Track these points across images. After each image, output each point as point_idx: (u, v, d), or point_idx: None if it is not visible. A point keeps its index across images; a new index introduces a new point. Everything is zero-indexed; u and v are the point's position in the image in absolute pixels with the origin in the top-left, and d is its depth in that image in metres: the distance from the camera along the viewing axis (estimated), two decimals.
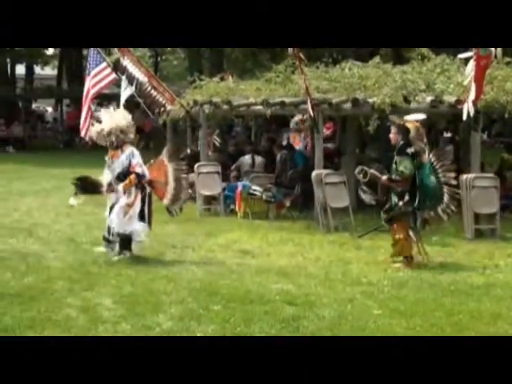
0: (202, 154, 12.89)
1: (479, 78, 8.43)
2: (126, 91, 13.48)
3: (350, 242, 9.36)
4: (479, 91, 8.57)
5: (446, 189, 8.09)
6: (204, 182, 12.05)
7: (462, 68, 10.23)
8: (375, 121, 10.28)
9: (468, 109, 8.63)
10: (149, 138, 22.48)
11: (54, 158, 22.47)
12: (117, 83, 14.17)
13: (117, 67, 13.39)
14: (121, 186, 8.04)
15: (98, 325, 5.68)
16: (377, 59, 12.18)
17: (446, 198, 8.08)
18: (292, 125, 16.50)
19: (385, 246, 8.52)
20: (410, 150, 7.84)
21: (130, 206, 8.01)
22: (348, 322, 5.86)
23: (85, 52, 25.25)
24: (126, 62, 13.39)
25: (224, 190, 12.12)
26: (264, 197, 11.59)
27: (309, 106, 10.34)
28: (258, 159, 13.24)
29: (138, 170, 8.04)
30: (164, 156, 8.54)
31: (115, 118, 8.24)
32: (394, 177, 7.94)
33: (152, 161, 8.67)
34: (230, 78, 14.48)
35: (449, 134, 16.70)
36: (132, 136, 8.23)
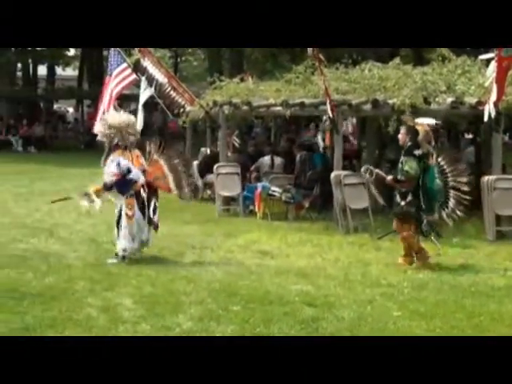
0: (221, 155, 12.88)
1: (501, 80, 8.39)
2: (145, 92, 13.56)
3: (369, 243, 9.34)
4: (501, 92, 8.53)
5: (452, 193, 8.04)
6: (223, 183, 12.07)
7: (483, 69, 10.17)
8: (395, 122, 10.23)
9: (489, 110, 8.59)
10: (174, 137, 22.46)
11: (75, 159, 22.65)
12: (137, 84, 14.25)
13: (137, 68, 13.48)
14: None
15: (119, 325, 5.71)
16: (397, 60, 12.11)
17: (451, 202, 8.03)
18: (323, 124, 16.50)
19: None
20: (417, 152, 7.80)
21: (131, 218, 8.01)
22: (367, 323, 5.84)
23: (105, 53, 25.41)
24: (147, 63, 13.48)
25: (243, 190, 12.14)
26: (283, 198, 11.58)
27: (328, 107, 10.34)
28: (278, 160, 13.24)
29: (106, 179, 8.03)
30: (153, 152, 8.51)
31: (115, 119, 8.26)
32: (399, 177, 7.92)
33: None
34: (250, 78, 14.49)
35: (470, 136, 16.58)
36: (130, 140, 8.17)
